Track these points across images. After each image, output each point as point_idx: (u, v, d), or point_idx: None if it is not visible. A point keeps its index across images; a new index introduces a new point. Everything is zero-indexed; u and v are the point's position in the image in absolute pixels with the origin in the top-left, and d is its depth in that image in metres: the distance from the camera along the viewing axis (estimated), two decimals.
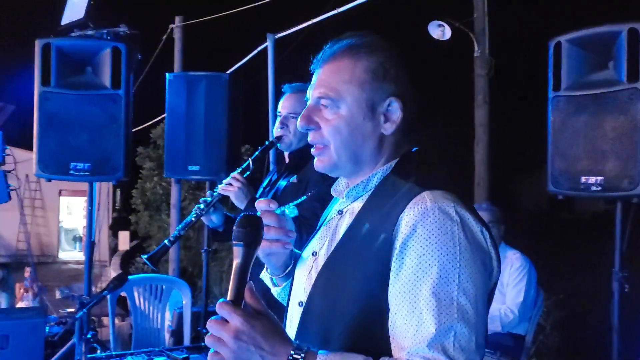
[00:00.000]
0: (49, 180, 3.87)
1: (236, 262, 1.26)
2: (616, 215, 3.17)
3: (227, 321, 1.17)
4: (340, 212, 1.46)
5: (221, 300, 1.19)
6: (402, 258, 1.25)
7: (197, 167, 4.17)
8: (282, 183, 2.86)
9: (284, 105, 2.88)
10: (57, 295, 10.34)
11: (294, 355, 1.17)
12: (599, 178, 3.10)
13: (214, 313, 1.20)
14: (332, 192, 1.53)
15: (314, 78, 1.45)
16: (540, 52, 3.40)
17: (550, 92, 3.30)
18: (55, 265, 18.14)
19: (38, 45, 3.76)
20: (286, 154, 2.93)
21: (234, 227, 1.29)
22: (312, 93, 1.44)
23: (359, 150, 1.40)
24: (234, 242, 1.28)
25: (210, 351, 1.18)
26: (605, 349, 3.19)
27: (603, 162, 3.09)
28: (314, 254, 1.46)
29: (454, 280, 1.21)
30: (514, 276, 4.22)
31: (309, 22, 6.53)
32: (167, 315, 4.81)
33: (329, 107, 1.40)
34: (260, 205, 1.47)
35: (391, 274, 1.26)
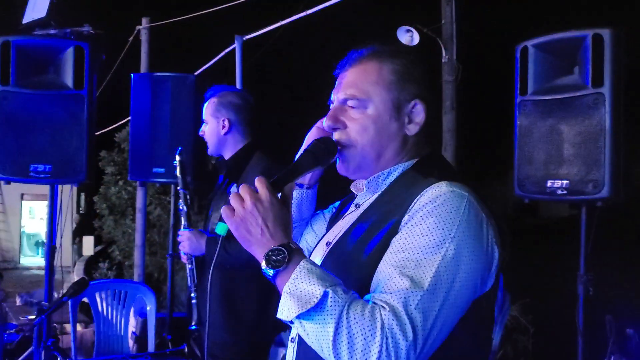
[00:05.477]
0: (8, 182, 3.75)
1: (295, 161, 1.40)
2: (581, 218, 3.20)
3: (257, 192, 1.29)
4: (357, 206, 1.49)
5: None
6: (403, 228, 1.28)
7: (162, 170, 4.08)
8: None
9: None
10: (18, 302, 10.10)
11: (289, 245, 1.26)
12: (565, 182, 3.12)
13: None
14: (352, 188, 1.54)
15: (338, 81, 1.47)
16: (506, 58, 3.42)
17: (517, 96, 3.32)
18: (17, 271, 17.73)
19: None
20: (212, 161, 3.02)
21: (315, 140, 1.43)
22: (337, 95, 1.46)
23: (383, 149, 1.43)
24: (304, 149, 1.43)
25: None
26: (570, 351, 3.20)
27: (568, 166, 3.11)
28: (328, 244, 1.48)
29: (439, 252, 1.22)
30: None
31: (278, 25, 6.50)
32: (131, 321, 4.71)
33: (356, 108, 1.42)
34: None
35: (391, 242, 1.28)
